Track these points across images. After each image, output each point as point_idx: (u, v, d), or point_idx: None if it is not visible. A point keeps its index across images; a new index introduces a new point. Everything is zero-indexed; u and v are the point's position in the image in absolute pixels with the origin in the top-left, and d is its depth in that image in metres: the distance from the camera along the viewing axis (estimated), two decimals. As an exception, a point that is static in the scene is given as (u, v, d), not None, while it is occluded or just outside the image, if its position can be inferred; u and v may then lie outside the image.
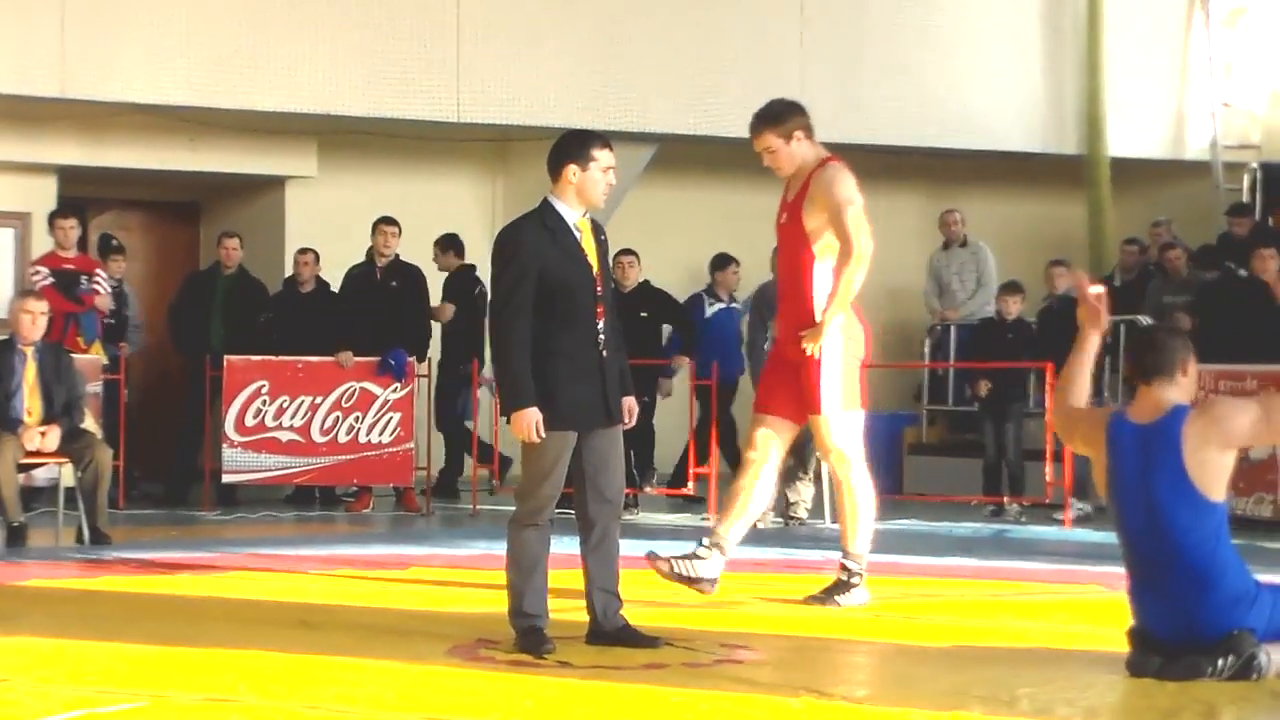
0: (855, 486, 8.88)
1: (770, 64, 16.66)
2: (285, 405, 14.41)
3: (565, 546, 7.86)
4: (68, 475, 12.01)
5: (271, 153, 16.77)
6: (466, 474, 15.38)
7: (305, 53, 15.45)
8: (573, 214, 7.48)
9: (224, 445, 14.38)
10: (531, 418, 7.27)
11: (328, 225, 16.38)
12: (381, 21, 15.70)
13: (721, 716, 6.07)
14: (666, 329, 15.15)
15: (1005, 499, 14.58)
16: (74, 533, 11.76)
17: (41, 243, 15.27)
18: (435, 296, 15.16)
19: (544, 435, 7.28)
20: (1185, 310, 15.43)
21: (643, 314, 14.47)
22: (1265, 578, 6.89)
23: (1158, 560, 6.73)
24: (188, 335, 15.26)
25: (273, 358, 14.61)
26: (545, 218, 7.46)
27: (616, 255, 14.23)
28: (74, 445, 11.75)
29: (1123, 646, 6.87)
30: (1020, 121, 18.04)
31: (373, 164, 17.16)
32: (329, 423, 14.41)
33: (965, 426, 16.55)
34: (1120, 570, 7.01)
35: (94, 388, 13.72)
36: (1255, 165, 18.20)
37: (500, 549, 7.57)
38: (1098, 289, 7.05)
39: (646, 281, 14.78)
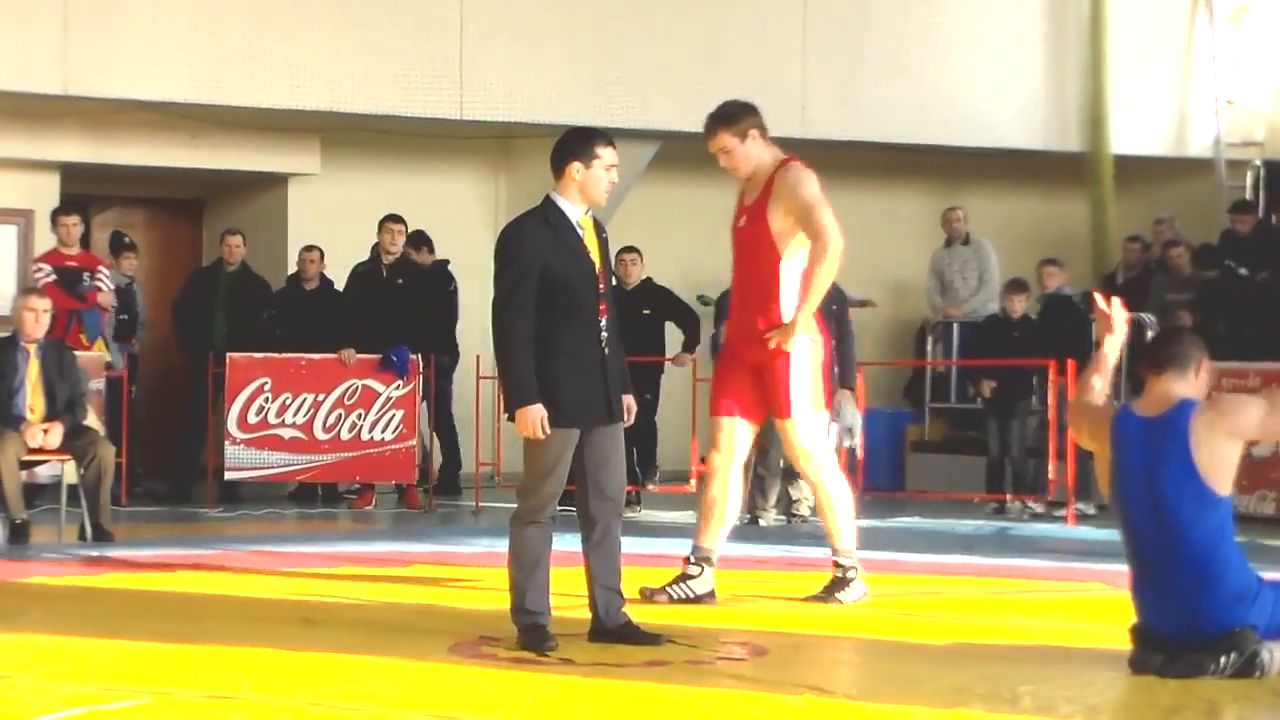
0: (830, 486, 8.85)
1: (773, 61, 16.64)
2: (288, 402, 14.42)
3: (567, 544, 7.85)
4: (70, 472, 12.01)
5: (274, 150, 16.77)
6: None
7: (308, 50, 15.44)
8: (575, 211, 7.48)
9: (226, 442, 14.38)
10: (536, 414, 7.27)
11: (330, 222, 16.37)
12: (384, 19, 15.69)
13: (723, 714, 6.07)
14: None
15: (1008, 497, 14.58)
16: (76, 530, 11.77)
17: (44, 240, 15.27)
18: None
19: (549, 432, 7.29)
20: (1187, 308, 15.44)
21: (645, 311, 14.47)
22: (1268, 575, 6.90)
23: (1161, 556, 6.73)
24: (191, 332, 15.26)
25: (275, 355, 14.62)
26: (548, 215, 7.47)
27: (619, 253, 14.24)
28: (76, 442, 11.76)
29: (1125, 644, 6.88)
30: (1023, 119, 18.02)
31: (376, 161, 17.15)
32: (331, 420, 14.42)
33: (968, 424, 16.55)
34: (1122, 568, 7.01)
35: (96, 385, 13.72)
36: (1258, 162, 18.22)
37: (502, 546, 7.57)
38: (1105, 307, 7.08)
39: (649, 279, 14.77)
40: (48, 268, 14.37)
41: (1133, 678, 6.71)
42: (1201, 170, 18.69)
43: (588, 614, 7.56)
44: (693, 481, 14.70)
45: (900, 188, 18.81)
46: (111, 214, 17.66)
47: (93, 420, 12.49)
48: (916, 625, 8.21)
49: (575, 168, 7.45)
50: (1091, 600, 9.16)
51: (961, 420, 16.91)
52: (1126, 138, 18.27)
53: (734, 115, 8.86)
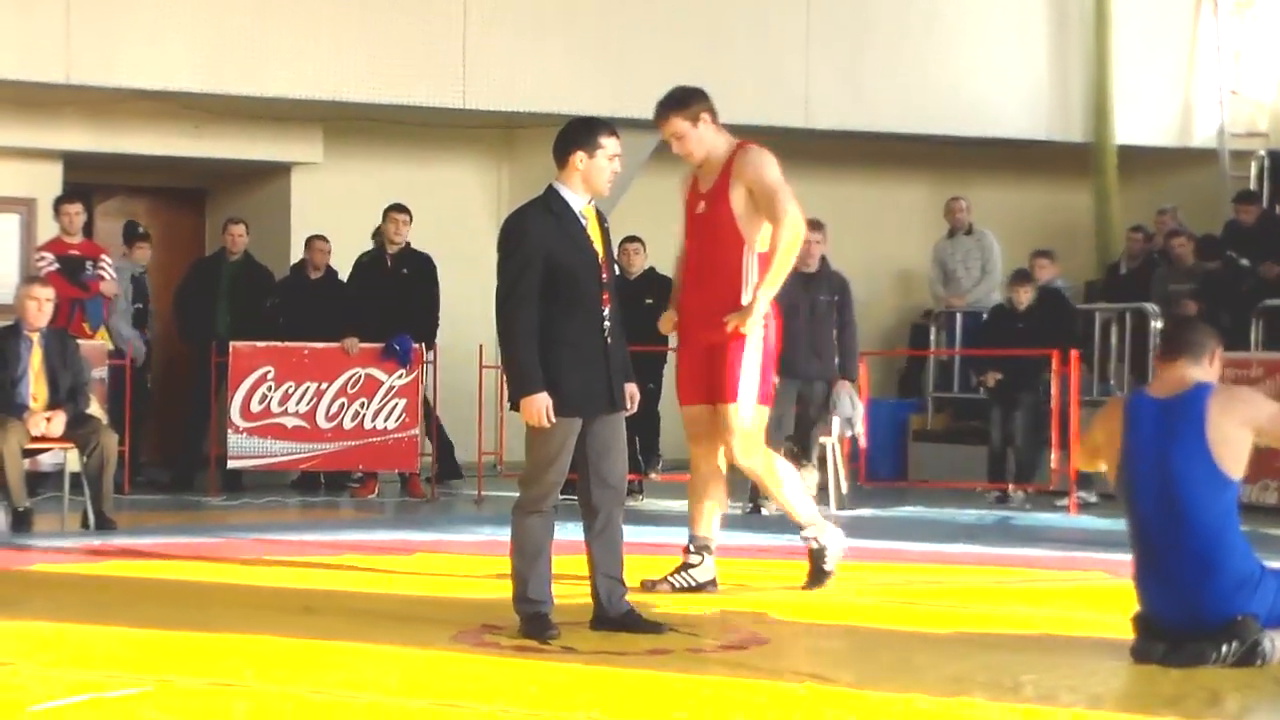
0: (764, 469, 8.83)
1: (776, 52, 16.63)
2: (291, 391, 14.42)
3: (569, 533, 7.86)
4: (73, 460, 12.01)
5: (277, 139, 16.76)
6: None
7: (311, 39, 15.43)
8: (578, 201, 7.48)
9: (229, 431, 14.39)
10: (541, 403, 7.27)
11: (333, 212, 16.37)
12: (387, 8, 15.68)
13: (725, 702, 6.07)
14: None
15: (1010, 486, 14.57)
16: (79, 518, 11.78)
17: (47, 229, 15.27)
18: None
19: (554, 420, 7.29)
20: (1191, 298, 15.43)
21: (648, 301, 14.46)
22: (1271, 563, 6.90)
23: (1165, 542, 6.73)
24: (194, 322, 15.27)
25: (278, 344, 14.62)
26: (551, 204, 7.47)
27: (622, 242, 14.24)
28: (79, 431, 11.76)
29: (1127, 633, 6.88)
30: (1026, 109, 18.01)
31: (379, 150, 17.14)
32: (334, 409, 14.43)
33: (970, 413, 16.55)
34: (1125, 557, 7.01)
35: (99, 373, 13.73)
36: (1263, 153, 18.22)
37: (505, 535, 7.58)
38: None
39: (652, 268, 14.77)
40: (50, 256, 14.38)
41: (1135, 667, 6.72)
42: (1205, 161, 18.68)
43: (590, 602, 7.56)
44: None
45: (903, 178, 18.79)
46: (114, 203, 17.65)
47: (95, 409, 12.50)
48: (918, 614, 8.21)
49: (579, 157, 7.45)
50: (1094, 589, 9.17)
51: (964, 410, 16.90)
52: (1130, 128, 18.25)
53: (685, 100, 8.90)
